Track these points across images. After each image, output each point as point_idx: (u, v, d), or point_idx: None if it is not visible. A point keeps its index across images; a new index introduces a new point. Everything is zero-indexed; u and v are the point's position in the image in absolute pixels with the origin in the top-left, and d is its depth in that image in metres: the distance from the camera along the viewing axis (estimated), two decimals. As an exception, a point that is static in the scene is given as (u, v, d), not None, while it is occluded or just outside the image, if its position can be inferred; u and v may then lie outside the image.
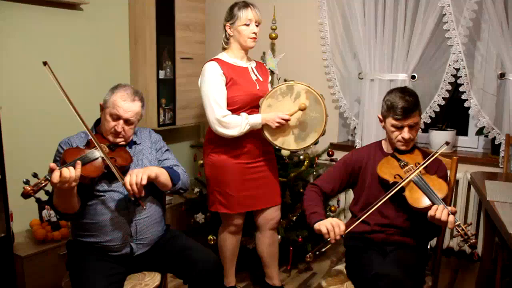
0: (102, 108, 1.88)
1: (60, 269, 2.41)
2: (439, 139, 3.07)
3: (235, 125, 2.19)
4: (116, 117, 1.83)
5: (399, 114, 1.83)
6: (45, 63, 1.67)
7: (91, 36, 3.04)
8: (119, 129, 1.83)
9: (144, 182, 1.70)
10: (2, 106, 2.23)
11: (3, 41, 2.56)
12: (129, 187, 1.68)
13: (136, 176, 1.69)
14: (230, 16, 2.26)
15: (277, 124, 2.19)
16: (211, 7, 3.71)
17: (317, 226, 1.74)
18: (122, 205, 1.80)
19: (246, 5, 2.24)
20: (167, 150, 2.05)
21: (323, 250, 1.75)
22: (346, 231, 1.71)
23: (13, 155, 2.50)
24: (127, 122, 1.86)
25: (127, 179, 1.70)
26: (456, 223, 1.62)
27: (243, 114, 2.21)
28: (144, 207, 1.82)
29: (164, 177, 1.84)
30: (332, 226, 1.68)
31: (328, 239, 1.68)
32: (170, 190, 1.92)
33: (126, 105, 1.84)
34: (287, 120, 2.19)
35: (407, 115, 1.83)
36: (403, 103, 1.83)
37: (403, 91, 1.89)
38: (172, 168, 1.94)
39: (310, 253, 1.76)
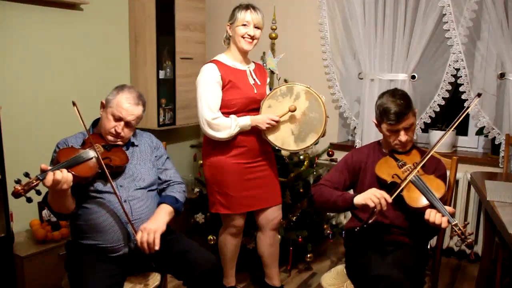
0: (103, 106, 1.87)
1: (60, 269, 2.40)
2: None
3: (224, 127, 2.19)
4: (118, 118, 1.83)
5: (393, 119, 1.82)
6: (74, 104, 1.71)
7: (91, 36, 3.03)
8: (119, 130, 1.83)
9: (157, 247, 1.71)
10: (2, 106, 2.23)
11: (3, 41, 2.56)
12: (139, 245, 1.70)
13: (148, 235, 1.70)
14: (231, 16, 2.27)
15: (267, 125, 2.21)
16: (211, 7, 3.70)
17: (360, 200, 1.71)
18: (118, 206, 1.77)
19: (247, 8, 2.24)
20: (167, 158, 2.04)
21: (370, 222, 1.70)
22: (392, 197, 1.70)
23: (13, 155, 2.49)
24: (127, 124, 1.85)
25: (139, 236, 1.71)
26: (453, 223, 1.62)
27: (232, 117, 2.21)
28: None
29: (170, 217, 1.86)
30: (376, 197, 1.67)
31: (374, 210, 1.67)
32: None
33: (131, 108, 1.83)
34: (277, 121, 2.21)
35: (400, 119, 1.81)
36: (395, 108, 1.81)
37: (394, 94, 1.87)
38: (177, 201, 1.92)
39: (358, 228, 1.75)
